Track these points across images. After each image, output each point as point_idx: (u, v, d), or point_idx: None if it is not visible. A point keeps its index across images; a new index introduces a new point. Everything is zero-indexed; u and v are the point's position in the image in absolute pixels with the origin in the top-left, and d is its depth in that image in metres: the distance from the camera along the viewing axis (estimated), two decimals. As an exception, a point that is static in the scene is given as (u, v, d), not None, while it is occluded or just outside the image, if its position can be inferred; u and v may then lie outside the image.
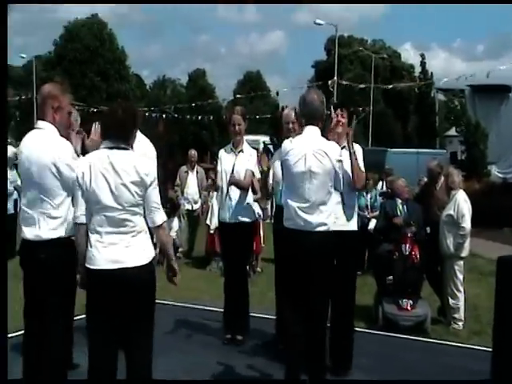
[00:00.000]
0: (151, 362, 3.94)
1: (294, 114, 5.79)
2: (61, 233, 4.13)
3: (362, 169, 5.22)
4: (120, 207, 3.74)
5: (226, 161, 6.33)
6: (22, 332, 4.45)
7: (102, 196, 3.73)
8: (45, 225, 4.10)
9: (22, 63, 54.61)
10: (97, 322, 3.84)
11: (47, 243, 4.09)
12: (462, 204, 7.24)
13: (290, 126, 5.76)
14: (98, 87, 47.99)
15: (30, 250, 4.15)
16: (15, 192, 10.48)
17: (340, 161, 4.73)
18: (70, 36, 49.53)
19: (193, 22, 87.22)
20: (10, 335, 5.79)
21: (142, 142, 4.76)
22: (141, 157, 3.96)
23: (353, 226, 5.38)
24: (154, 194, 3.82)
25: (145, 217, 3.84)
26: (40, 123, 4.21)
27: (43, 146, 4.11)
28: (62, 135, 4.25)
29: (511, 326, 3.01)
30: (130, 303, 3.77)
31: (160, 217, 3.86)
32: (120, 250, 3.74)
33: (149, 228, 3.90)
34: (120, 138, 3.83)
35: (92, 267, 3.76)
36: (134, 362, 3.88)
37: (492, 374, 3.05)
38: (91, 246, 3.78)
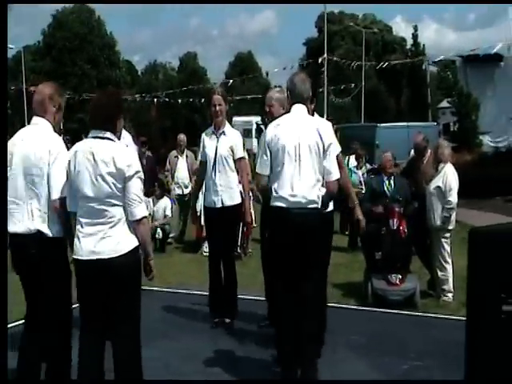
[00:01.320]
0: (137, 351, 3.97)
1: (273, 97, 5.66)
2: (48, 229, 4.09)
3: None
4: (98, 197, 3.78)
5: (208, 145, 6.26)
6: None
7: (81, 185, 3.81)
8: (33, 217, 4.09)
9: (11, 54, 54.23)
10: (84, 311, 3.94)
11: (36, 236, 4.07)
12: (450, 177, 7.22)
13: (267, 108, 5.66)
14: (88, 75, 47.75)
15: (20, 244, 4.13)
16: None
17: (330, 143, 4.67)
18: (59, 24, 49.17)
19: (182, 4, 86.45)
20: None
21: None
22: (124, 148, 3.97)
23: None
24: (134, 187, 3.81)
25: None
26: (36, 119, 4.23)
27: (39, 140, 4.12)
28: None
29: (483, 299, 3.01)
30: (109, 293, 3.83)
31: (140, 211, 3.83)
32: (96, 241, 3.79)
33: None
34: (103, 128, 3.86)
35: (74, 256, 3.87)
36: (118, 352, 3.91)
37: (466, 347, 3.06)
38: (75, 236, 3.88)
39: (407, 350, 5.54)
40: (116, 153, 3.80)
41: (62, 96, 4.34)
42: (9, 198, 4.17)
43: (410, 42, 52.96)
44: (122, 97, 4.12)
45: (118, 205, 3.80)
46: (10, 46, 48.12)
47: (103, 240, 3.79)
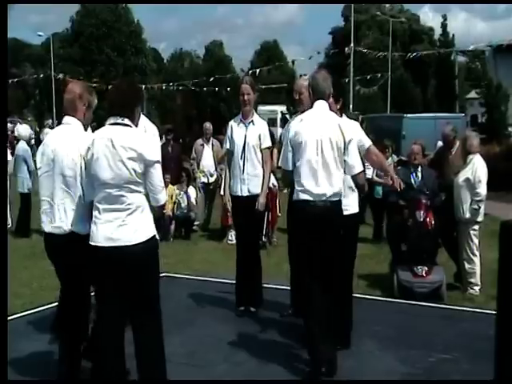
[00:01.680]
0: (159, 340, 4.00)
1: (304, 85, 5.65)
2: (80, 228, 4.14)
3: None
4: (117, 183, 3.78)
5: (237, 133, 6.26)
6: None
7: (100, 172, 3.81)
8: (66, 217, 4.16)
9: (40, 41, 54.75)
10: (102, 295, 3.95)
11: (70, 236, 4.13)
12: (480, 168, 7.12)
13: (297, 96, 5.68)
14: (114, 62, 47.93)
15: (54, 243, 4.22)
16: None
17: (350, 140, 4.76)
18: (87, 12, 49.40)
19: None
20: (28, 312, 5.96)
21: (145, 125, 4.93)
22: (143, 134, 3.99)
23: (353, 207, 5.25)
24: (157, 173, 3.84)
25: (145, 194, 3.86)
26: (67, 119, 4.31)
27: (69, 140, 4.19)
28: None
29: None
30: (126, 280, 3.83)
31: (163, 196, 3.92)
32: (114, 227, 3.79)
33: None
34: (122, 115, 3.88)
35: (91, 243, 3.86)
36: (139, 340, 3.94)
37: (496, 341, 3.02)
38: (92, 222, 3.89)
39: (434, 342, 5.50)
40: (135, 138, 3.83)
41: (92, 94, 4.42)
42: (43, 198, 4.27)
43: (438, 31, 52.29)
44: (140, 86, 4.21)
45: (136, 191, 3.81)
46: (39, 33, 48.76)
47: (121, 227, 3.79)
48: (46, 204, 4.24)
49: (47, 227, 4.23)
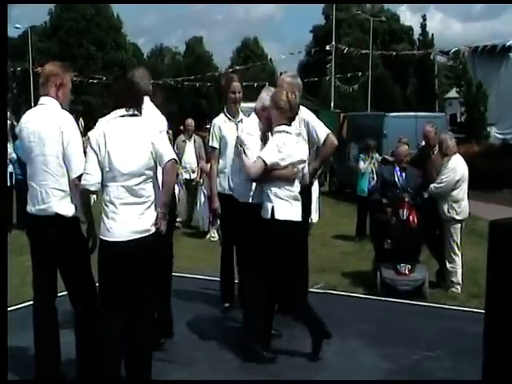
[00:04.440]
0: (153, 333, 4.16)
1: (285, 80, 5.79)
2: (66, 210, 4.10)
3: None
4: (138, 172, 3.84)
5: (227, 131, 6.14)
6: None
7: (117, 163, 3.84)
8: (48, 198, 4.09)
9: (18, 34, 54.04)
10: (109, 292, 3.96)
11: (54, 218, 4.08)
12: (457, 169, 7.22)
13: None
14: (94, 56, 47.65)
15: (38, 225, 4.16)
16: (10, 165, 10.39)
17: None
18: (65, 5, 48.96)
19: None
20: (10, 308, 5.89)
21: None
22: (150, 121, 4.18)
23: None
24: (163, 141, 3.95)
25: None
26: (42, 99, 4.25)
27: (48, 119, 4.12)
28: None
29: (503, 291, 3.01)
30: (142, 272, 3.94)
31: (169, 152, 3.90)
32: (135, 220, 3.85)
33: None
34: (132, 105, 3.98)
35: (109, 239, 3.86)
36: (138, 332, 4.03)
37: (484, 340, 3.06)
38: (108, 218, 3.88)
39: (417, 339, 5.53)
40: (148, 125, 3.98)
41: (66, 72, 4.34)
42: (28, 182, 4.20)
43: (417, 31, 52.65)
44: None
45: (151, 178, 3.90)
46: (16, 25, 48.06)
47: (140, 220, 3.86)
48: (30, 187, 4.19)
49: (31, 209, 4.16)
